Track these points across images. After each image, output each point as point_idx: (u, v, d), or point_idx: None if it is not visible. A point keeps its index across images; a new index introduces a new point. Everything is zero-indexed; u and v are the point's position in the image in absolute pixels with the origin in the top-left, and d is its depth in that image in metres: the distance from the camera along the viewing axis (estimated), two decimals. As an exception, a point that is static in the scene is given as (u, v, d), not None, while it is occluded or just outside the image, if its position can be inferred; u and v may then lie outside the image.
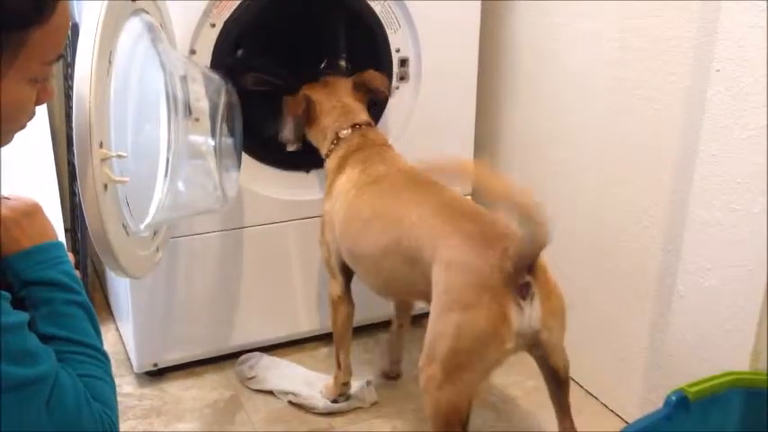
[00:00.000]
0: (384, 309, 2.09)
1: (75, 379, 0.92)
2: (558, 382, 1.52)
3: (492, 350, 1.38)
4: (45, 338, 0.91)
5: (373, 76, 1.90)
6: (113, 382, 1.00)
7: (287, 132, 1.89)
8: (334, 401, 1.91)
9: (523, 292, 1.37)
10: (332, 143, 1.83)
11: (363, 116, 1.86)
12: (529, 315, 1.37)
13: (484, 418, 1.87)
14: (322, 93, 1.88)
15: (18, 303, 0.92)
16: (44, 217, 1.02)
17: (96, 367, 0.97)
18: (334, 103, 1.85)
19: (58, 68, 2.27)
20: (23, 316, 0.87)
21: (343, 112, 1.85)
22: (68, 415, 0.89)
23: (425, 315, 2.12)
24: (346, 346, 1.90)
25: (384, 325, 2.21)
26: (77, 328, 0.98)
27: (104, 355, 1.00)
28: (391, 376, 2.06)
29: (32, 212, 1.01)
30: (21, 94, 0.88)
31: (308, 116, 1.86)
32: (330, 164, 1.82)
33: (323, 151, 1.86)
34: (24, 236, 0.98)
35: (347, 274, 1.81)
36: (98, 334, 1.01)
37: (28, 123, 0.94)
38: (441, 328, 1.42)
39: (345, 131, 1.82)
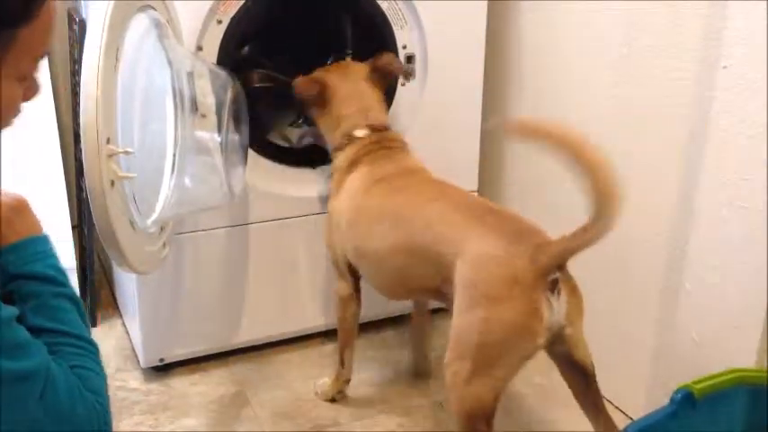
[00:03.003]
0: (391, 306, 2.09)
1: (67, 370, 0.92)
2: (587, 379, 1.50)
3: (523, 344, 1.37)
4: (34, 331, 0.92)
5: (392, 60, 1.85)
6: (104, 372, 1.00)
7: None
8: (332, 400, 1.92)
9: (552, 287, 1.36)
10: (344, 138, 1.76)
11: (382, 117, 1.80)
12: (557, 310, 1.37)
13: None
14: (337, 78, 1.81)
15: (6, 297, 0.93)
16: (31, 212, 1.03)
17: (86, 358, 0.98)
18: (351, 93, 1.78)
19: (64, 65, 2.28)
20: (13, 310, 0.88)
21: (360, 108, 1.78)
22: (62, 407, 0.89)
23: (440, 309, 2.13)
24: (352, 344, 1.89)
25: (389, 322, 2.22)
26: (66, 319, 0.99)
27: (93, 345, 1.01)
28: (420, 373, 2.04)
29: (19, 207, 1.02)
30: (10, 92, 0.89)
31: (320, 102, 1.78)
32: (340, 162, 1.76)
33: (331, 144, 1.80)
34: (11, 230, 0.99)
35: (355, 272, 1.79)
36: (86, 325, 1.02)
37: (14, 121, 0.95)
38: (468, 322, 1.40)
39: (361, 132, 1.76)
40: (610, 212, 1.27)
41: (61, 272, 1.01)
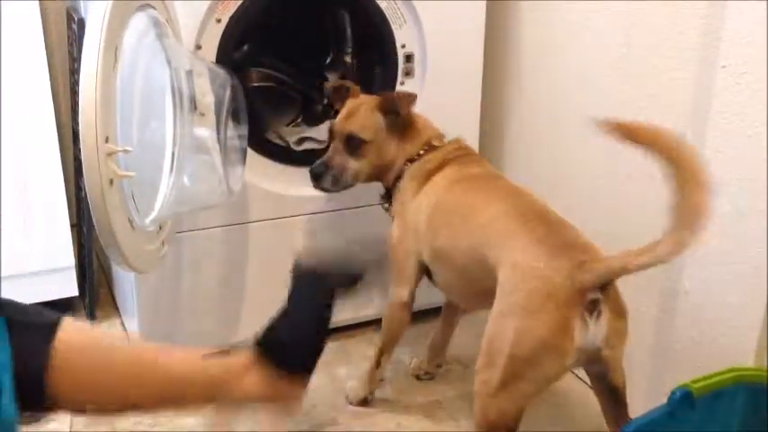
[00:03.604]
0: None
1: None
2: (616, 400, 1.50)
3: (550, 362, 1.35)
4: None
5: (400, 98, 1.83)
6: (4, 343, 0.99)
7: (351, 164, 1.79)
8: (364, 401, 1.91)
9: (590, 307, 1.33)
10: (421, 149, 1.79)
11: (440, 129, 1.85)
12: (593, 332, 1.34)
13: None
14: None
15: None
16: None
17: None
18: (420, 114, 1.84)
19: (63, 64, 2.28)
20: None
21: (426, 121, 1.84)
22: None
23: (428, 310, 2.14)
24: (392, 350, 1.87)
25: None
26: None
27: None
28: (423, 377, 2.03)
29: None
30: None
31: (402, 118, 1.79)
32: (417, 170, 1.77)
33: (402, 158, 1.80)
34: None
35: (419, 279, 1.78)
36: None
37: None
38: (500, 330, 1.39)
39: (438, 141, 1.80)
40: (690, 228, 1.23)
41: None
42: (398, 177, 1.81)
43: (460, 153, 1.79)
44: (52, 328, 0.99)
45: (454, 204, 1.66)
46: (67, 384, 1.01)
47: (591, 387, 1.55)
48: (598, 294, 1.33)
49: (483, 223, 1.55)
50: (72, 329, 1.01)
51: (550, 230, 1.44)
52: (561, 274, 1.33)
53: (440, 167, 1.75)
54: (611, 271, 1.33)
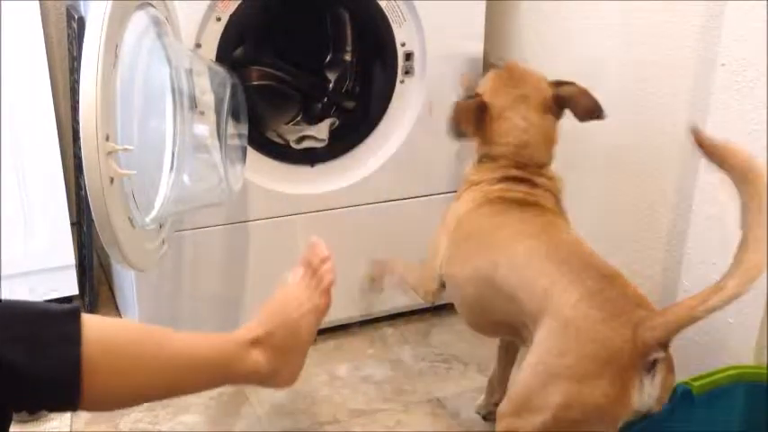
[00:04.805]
0: (389, 303, 2.10)
1: None
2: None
3: (603, 425, 1.24)
4: None
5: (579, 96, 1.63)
6: None
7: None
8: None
9: (649, 366, 1.22)
10: (485, 158, 1.62)
11: (545, 157, 1.64)
12: (649, 392, 1.23)
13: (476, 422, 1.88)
14: (506, 96, 1.62)
15: None
16: None
17: None
18: (515, 119, 1.60)
19: (63, 62, 2.28)
20: None
21: (521, 142, 1.60)
22: None
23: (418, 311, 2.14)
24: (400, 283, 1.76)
25: (388, 319, 2.22)
26: None
27: None
28: (485, 414, 1.86)
29: None
30: None
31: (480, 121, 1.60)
32: (473, 174, 1.62)
33: (477, 153, 1.64)
34: None
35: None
36: None
37: None
38: (540, 388, 1.25)
39: (502, 154, 1.59)
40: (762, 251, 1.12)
41: None
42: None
43: (514, 176, 1.58)
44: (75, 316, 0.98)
45: (476, 226, 1.52)
46: (100, 381, 1.00)
47: None
48: (661, 353, 1.22)
49: (515, 261, 1.39)
50: (93, 324, 1.00)
51: (600, 279, 1.29)
52: (622, 335, 1.20)
53: (477, 183, 1.59)
54: (677, 323, 1.19)
